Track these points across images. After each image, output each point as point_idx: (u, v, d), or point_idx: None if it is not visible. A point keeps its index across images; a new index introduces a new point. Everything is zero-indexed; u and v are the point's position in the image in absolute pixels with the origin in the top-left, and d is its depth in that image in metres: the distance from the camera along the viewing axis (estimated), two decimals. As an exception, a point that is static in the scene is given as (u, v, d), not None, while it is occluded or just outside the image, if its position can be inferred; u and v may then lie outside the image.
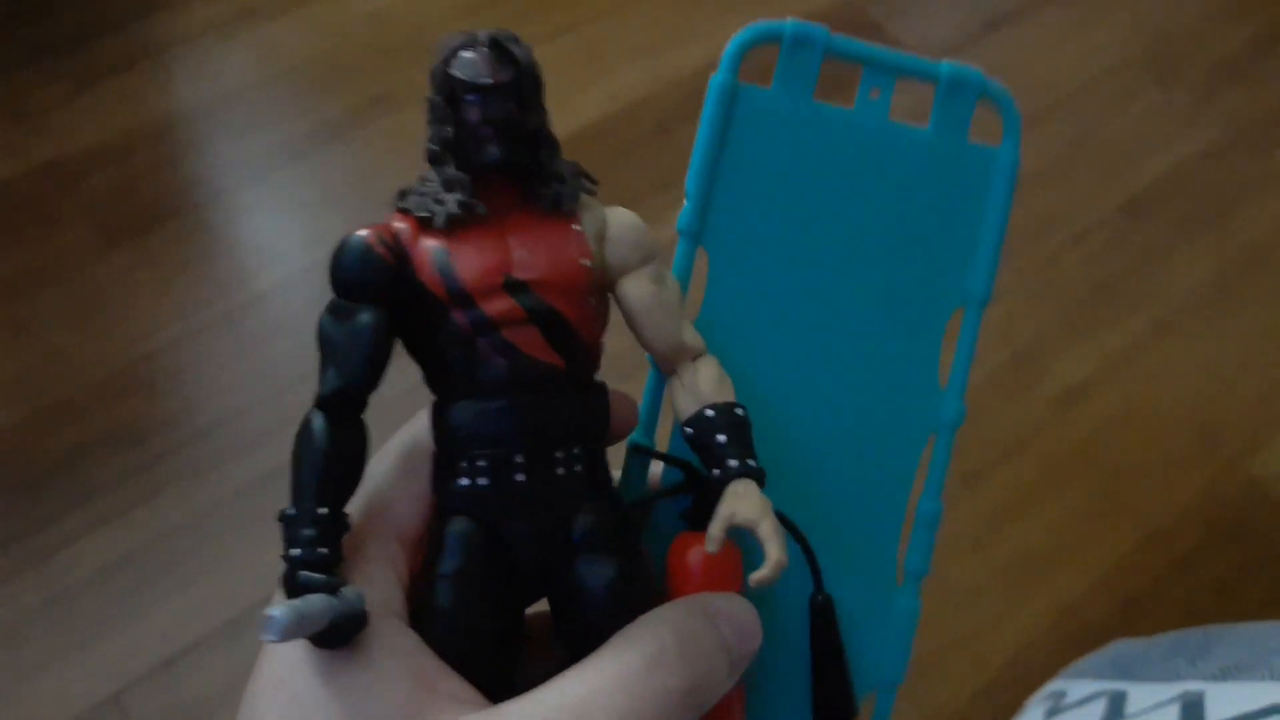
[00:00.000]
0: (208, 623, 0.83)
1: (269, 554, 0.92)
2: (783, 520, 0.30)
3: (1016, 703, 0.68)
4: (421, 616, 0.26)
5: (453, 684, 0.25)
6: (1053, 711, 0.60)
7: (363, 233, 0.26)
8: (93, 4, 1.16)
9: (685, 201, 0.32)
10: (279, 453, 0.89)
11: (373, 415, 0.27)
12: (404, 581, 0.27)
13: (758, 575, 0.26)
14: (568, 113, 1.08)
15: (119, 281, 0.99)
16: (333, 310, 0.26)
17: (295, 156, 1.07)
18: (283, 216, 1.05)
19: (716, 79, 0.32)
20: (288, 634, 0.22)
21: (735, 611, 0.27)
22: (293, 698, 0.25)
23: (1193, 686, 0.48)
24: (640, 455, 0.32)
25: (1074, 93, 1.16)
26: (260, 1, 1.17)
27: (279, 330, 0.97)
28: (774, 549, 0.26)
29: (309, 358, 0.98)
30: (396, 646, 0.25)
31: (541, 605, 0.29)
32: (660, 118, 1.10)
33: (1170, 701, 0.48)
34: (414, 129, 1.08)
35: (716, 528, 0.26)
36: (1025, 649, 0.85)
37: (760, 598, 0.28)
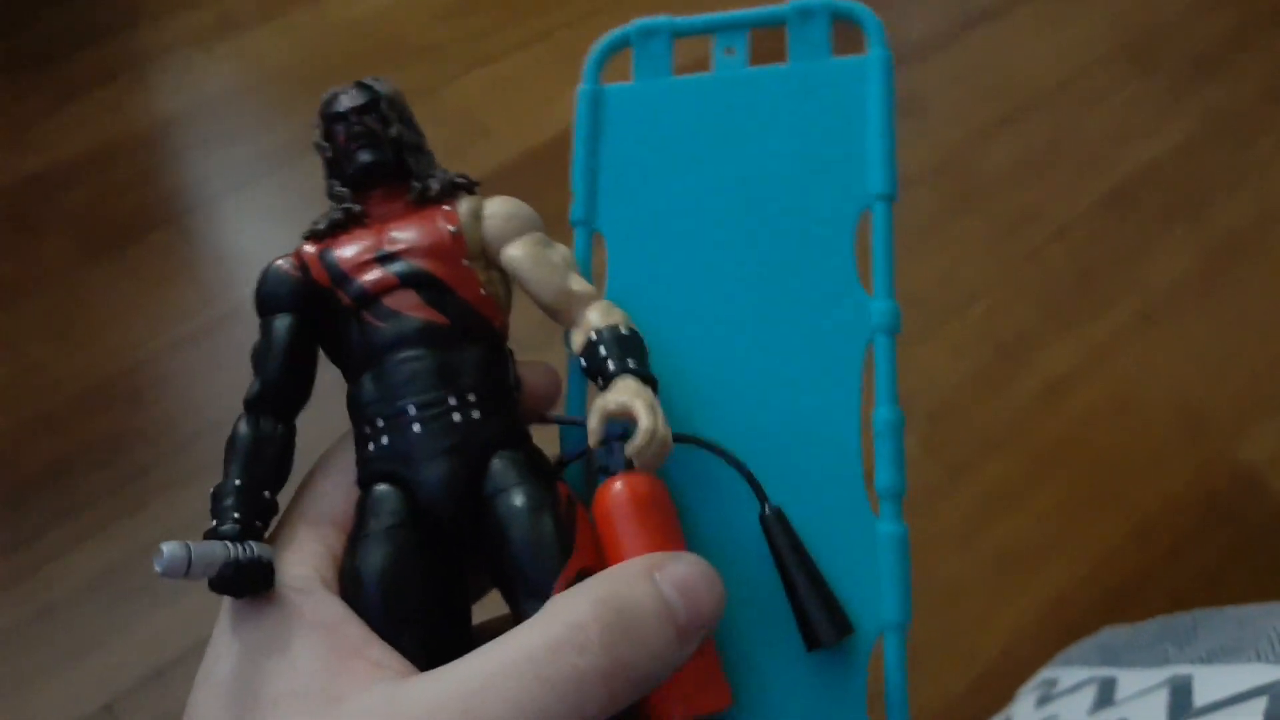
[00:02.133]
0: (197, 632, 0.83)
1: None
2: (705, 445, 0.29)
3: (1009, 694, 0.68)
4: (349, 584, 0.27)
5: (377, 651, 0.25)
6: (1044, 700, 0.60)
7: (276, 260, 0.30)
8: (72, 17, 1.16)
9: (573, 197, 0.33)
10: (265, 461, 0.88)
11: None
12: (335, 555, 0.27)
13: (631, 445, 0.26)
14: (543, 120, 1.08)
15: (101, 293, 0.99)
16: (259, 331, 0.29)
17: (276, 165, 1.07)
18: (264, 225, 1.05)
19: (581, 89, 0.34)
20: (172, 567, 0.22)
21: (682, 572, 0.25)
22: (216, 683, 0.25)
23: (1181, 670, 0.49)
24: (549, 424, 0.31)
25: (1053, 87, 1.17)
26: (239, 12, 1.17)
27: (263, 339, 0.97)
28: (645, 417, 0.27)
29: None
30: (319, 618, 0.25)
31: (501, 607, 0.28)
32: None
33: (1159, 686, 0.48)
34: (395, 135, 1.09)
35: (593, 419, 0.27)
36: (1016, 641, 0.85)
37: (712, 534, 0.27)
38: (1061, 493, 0.93)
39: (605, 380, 0.28)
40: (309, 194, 1.05)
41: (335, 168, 0.31)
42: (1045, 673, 0.65)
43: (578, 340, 0.29)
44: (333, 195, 0.31)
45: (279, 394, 0.28)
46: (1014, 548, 0.90)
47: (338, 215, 0.30)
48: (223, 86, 1.12)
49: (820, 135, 0.33)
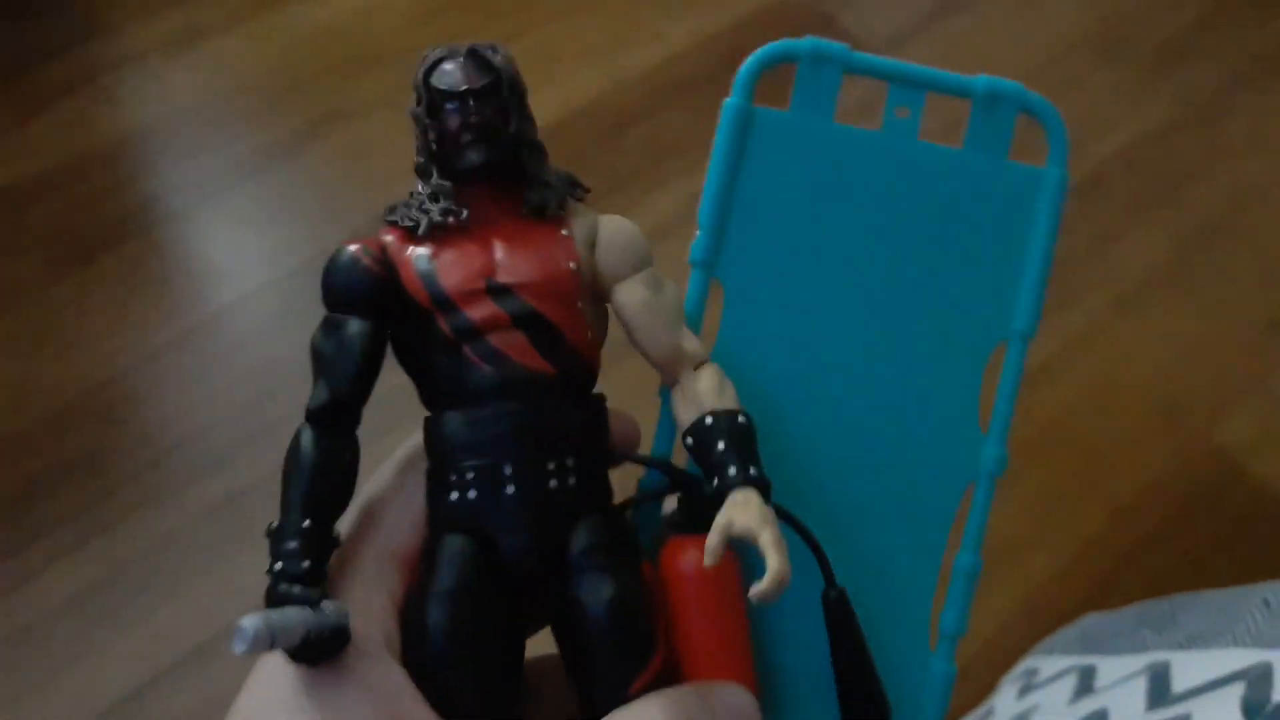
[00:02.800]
0: (175, 651, 0.82)
1: (235, 578, 0.90)
2: (786, 517, 0.28)
3: (992, 684, 0.68)
4: (413, 638, 0.25)
5: None
6: (1026, 689, 0.60)
7: (351, 247, 0.27)
8: (34, 29, 1.14)
9: (698, 232, 0.30)
10: (241, 474, 0.88)
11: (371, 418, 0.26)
12: (397, 602, 0.26)
13: (758, 589, 0.24)
14: (520, 118, 1.06)
15: (71, 308, 0.98)
16: (324, 324, 0.26)
17: (247, 175, 1.06)
18: (236, 235, 1.04)
19: (730, 103, 0.30)
20: (257, 645, 0.21)
21: (734, 698, 0.26)
22: None
23: (1159, 657, 0.48)
24: (622, 460, 0.30)
25: (1023, 77, 1.15)
26: (204, 19, 1.16)
27: (236, 350, 0.96)
28: (775, 560, 0.24)
29: (266, 378, 0.96)
30: (378, 685, 0.24)
31: (549, 645, 0.28)
32: (614, 119, 1.09)
33: (1138, 673, 0.48)
34: (365, 143, 1.08)
35: (714, 539, 0.25)
36: (1000, 632, 0.84)
37: (776, 605, 0.26)
38: (1041, 482, 0.93)
39: (721, 482, 0.26)
40: (280, 203, 1.05)
41: (435, 152, 0.27)
42: (1027, 662, 0.65)
43: (684, 414, 0.28)
44: (432, 191, 0.27)
45: (348, 406, 0.26)
46: (995, 538, 0.89)
47: (438, 218, 0.27)
48: (190, 96, 1.11)
49: (976, 242, 0.31)
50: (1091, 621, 0.63)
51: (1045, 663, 0.61)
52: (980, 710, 0.63)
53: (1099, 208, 1.08)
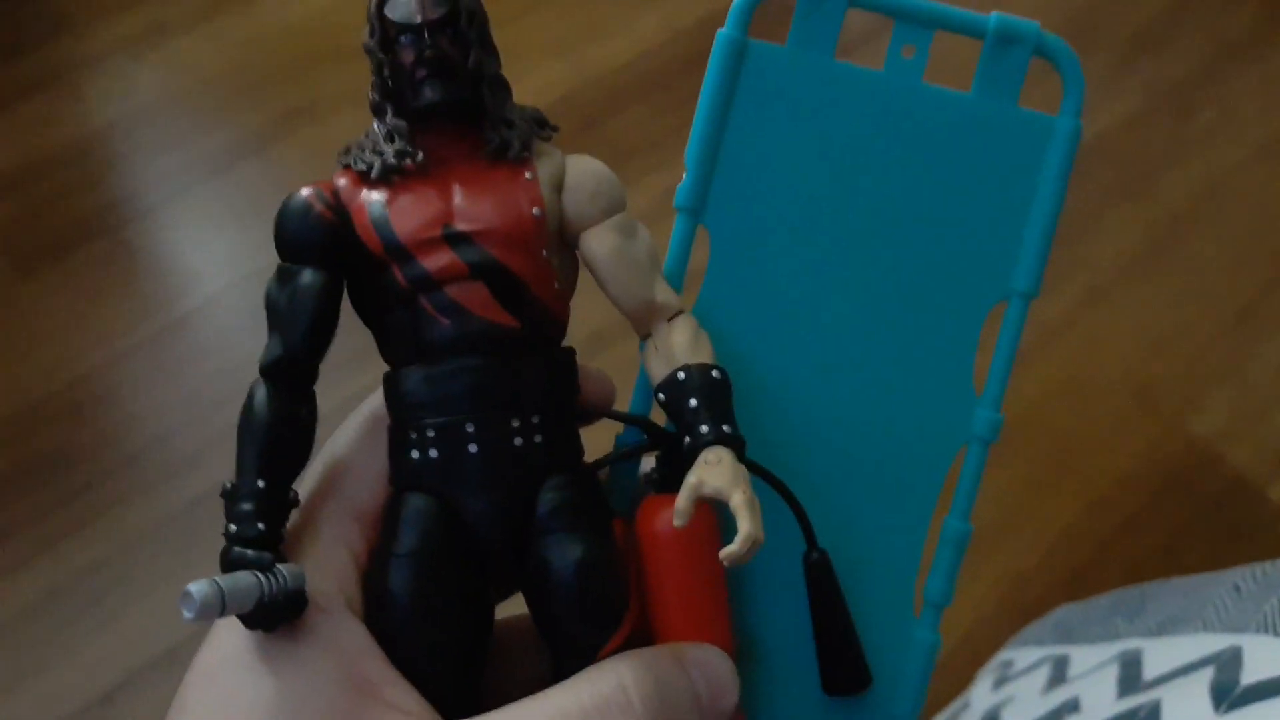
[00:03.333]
0: (146, 653, 0.81)
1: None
2: (766, 476, 0.27)
3: (970, 677, 0.67)
4: (375, 601, 0.25)
5: (397, 692, 0.23)
6: (1001, 681, 0.60)
7: (304, 191, 0.25)
8: (-1, 28, 1.13)
9: (685, 174, 0.29)
10: (209, 475, 0.87)
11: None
12: (360, 563, 0.25)
13: (728, 551, 0.23)
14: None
15: (37, 309, 0.96)
16: (277, 274, 0.25)
17: (214, 172, 1.05)
18: (204, 234, 1.03)
19: (723, 34, 0.29)
20: (205, 611, 0.21)
21: (709, 660, 0.25)
22: (219, 694, 0.23)
23: (1131, 645, 0.48)
24: (598, 417, 0.29)
25: (996, 68, 1.16)
26: (169, 17, 1.15)
27: (205, 350, 0.95)
28: (746, 522, 0.23)
29: (235, 377, 0.95)
30: (339, 644, 0.23)
31: (520, 606, 0.27)
32: (585, 113, 1.09)
33: (1110, 661, 0.48)
34: (332, 140, 1.06)
35: (683, 499, 0.24)
36: (978, 624, 0.84)
37: (754, 565, 0.25)
38: (1016, 473, 0.93)
39: (693, 440, 0.25)
40: (247, 201, 1.04)
41: (390, 88, 0.26)
42: (1003, 654, 0.65)
43: (657, 368, 0.26)
44: (387, 131, 0.25)
45: (302, 361, 0.25)
46: (973, 530, 0.89)
47: (391, 160, 0.25)
48: (155, 94, 1.10)
49: (980, 193, 0.29)
50: (1065, 612, 0.63)
51: (1020, 654, 0.61)
52: (957, 703, 0.63)
53: (1070, 198, 1.08)
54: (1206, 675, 0.40)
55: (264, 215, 1.02)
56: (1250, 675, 0.38)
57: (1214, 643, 0.42)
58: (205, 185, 1.04)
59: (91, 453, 0.90)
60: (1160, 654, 0.45)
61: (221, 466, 0.92)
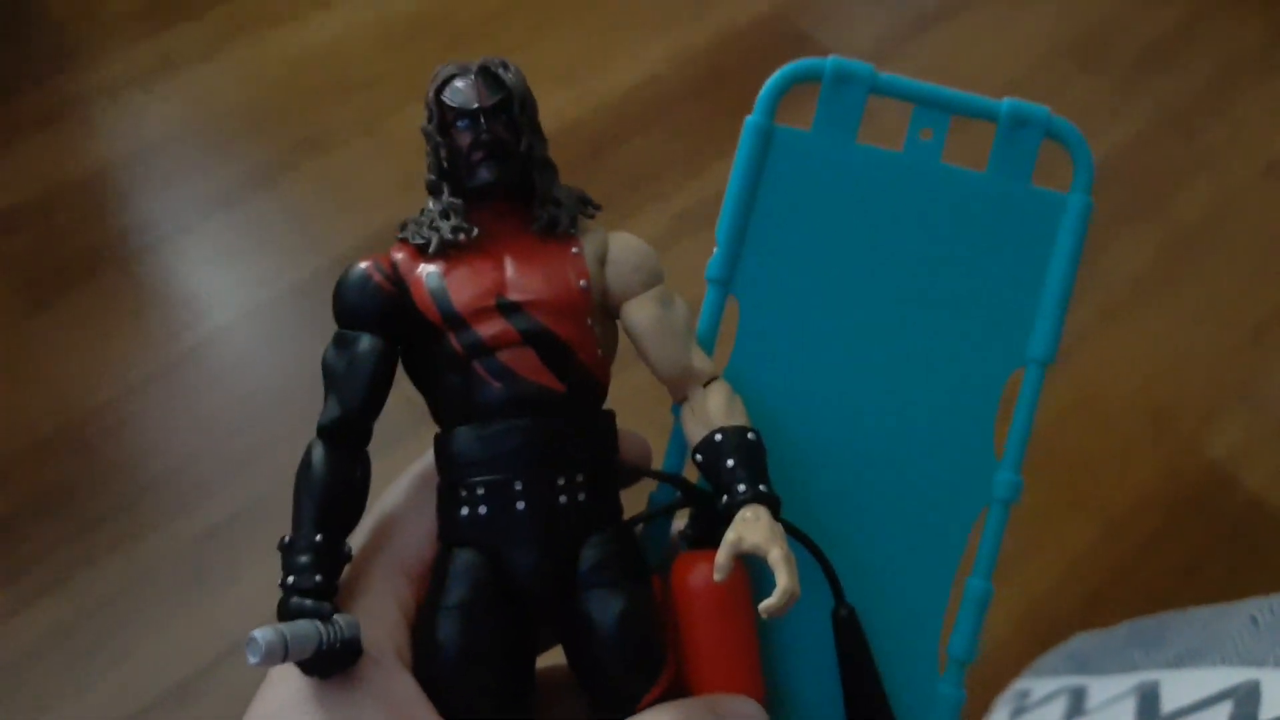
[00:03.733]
0: (157, 688, 0.81)
1: (217, 613, 0.89)
2: (796, 534, 0.29)
3: (987, 704, 0.67)
4: (423, 652, 0.26)
5: None
6: (1018, 712, 0.59)
7: (363, 264, 0.27)
8: (9, 60, 1.14)
9: (715, 248, 0.30)
10: (221, 507, 0.87)
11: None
12: (409, 616, 0.27)
13: (767, 604, 0.24)
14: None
15: (48, 342, 0.97)
16: (335, 340, 0.27)
17: (223, 204, 1.05)
18: (214, 265, 1.03)
19: (751, 120, 0.30)
20: (270, 657, 0.22)
21: (743, 711, 0.26)
22: None
23: (1149, 676, 0.48)
24: (638, 477, 0.30)
25: (1004, 87, 1.15)
26: (178, 50, 1.16)
27: (216, 381, 0.95)
28: (784, 577, 0.24)
29: (248, 407, 0.95)
30: (390, 694, 0.24)
31: (561, 656, 0.28)
32: (590, 142, 1.09)
33: (1127, 694, 0.48)
34: (342, 170, 1.08)
35: (723, 555, 0.25)
36: (995, 650, 0.83)
37: (784, 620, 0.26)
38: (1033, 496, 0.91)
39: (730, 498, 0.26)
40: (258, 233, 1.04)
41: (447, 170, 0.28)
42: (1019, 684, 0.64)
43: (694, 431, 0.28)
44: (443, 209, 0.27)
45: (358, 422, 0.26)
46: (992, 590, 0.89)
47: (449, 236, 0.27)
48: (165, 127, 1.11)
49: (996, 266, 0.31)
50: (1081, 641, 0.62)
51: (1037, 684, 0.61)
52: (972, 732, 0.62)
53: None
54: (1225, 710, 0.40)
55: (274, 246, 1.03)
56: (1268, 710, 0.38)
57: (1232, 676, 0.42)
58: (215, 217, 1.05)
59: (102, 486, 0.90)
60: (1178, 687, 0.45)
61: (234, 497, 0.92)
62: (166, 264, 1.03)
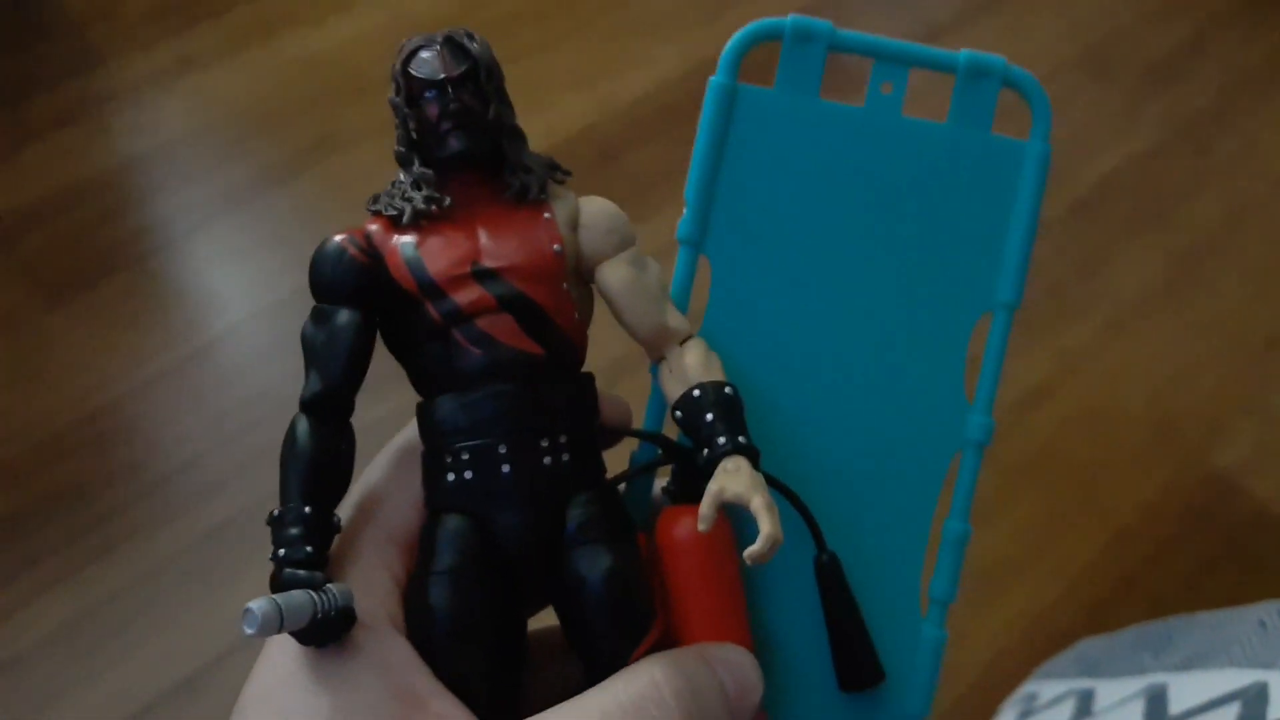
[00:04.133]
0: (167, 681, 0.81)
1: (227, 607, 0.90)
2: (776, 485, 0.29)
3: (993, 709, 0.67)
4: (415, 618, 0.26)
5: (443, 704, 0.25)
6: (1025, 714, 0.59)
7: (337, 237, 0.27)
8: (28, 60, 1.15)
9: (685, 209, 0.31)
10: (231, 503, 0.87)
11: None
12: (400, 583, 0.27)
13: (752, 550, 0.25)
14: (512, 145, 1.06)
15: (63, 339, 0.97)
16: (313, 315, 0.27)
17: (238, 203, 1.06)
18: (228, 264, 1.04)
19: (715, 80, 0.31)
20: (265, 627, 0.22)
21: (734, 659, 0.27)
22: (276, 712, 0.24)
23: (1157, 679, 0.48)
24: (619, 437, 0.31)
25: (1014, 100, 1.16)
26: (195, 51, 1.17)
27: (228, 379, 0.96)
28: (767, 522, 0.25)
29: (258, 406, 0.95)
30: (386, 659, 0.25)
31: (554, 618, 0.28)
32: (603, 146, 1.10)
33: (1135, 696, 0.48)
34: (356, 172, 1.08)
35: (706, 505, 0.26)
36: (999, 656, 0.84)
37: (768, 570, 0.27)
38: (1038, 505, 0.92)
39: (711, 451, 0.27)
40: (271, 232, 1.05)
41: (415, 141, 0.28)
42: (1026, 687, 0.65)
43: (673, 389, 0.28)
44: (414, 179, 0.27)
45: (340, 395, 0.26)
46: (992, 562, 0.89)
47: (421, 206, 0.27)
48: (182, 127, 1.12)
49: (960, 214, 0.31)
50: (1088, 645, 0.62)
51: (1044, 687, 0.61)
52: (978, 735, 0.62)
53: (1090, 229, 1.08)
54: (1233, 711, 0.40)
55: (287, 245, 1.04)
56: (1276, 711, 0.38)
57: (1240, 678, 0.42)
58: (229, 216, 1.06)
59: (113, 482, 0.91)
60: (1186, 689, 0.45)
61: (244, 494, 0.92)
62: (180, 262, 1.04)
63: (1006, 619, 0.86)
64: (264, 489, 0.86)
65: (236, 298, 1.01)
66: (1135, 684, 0.50)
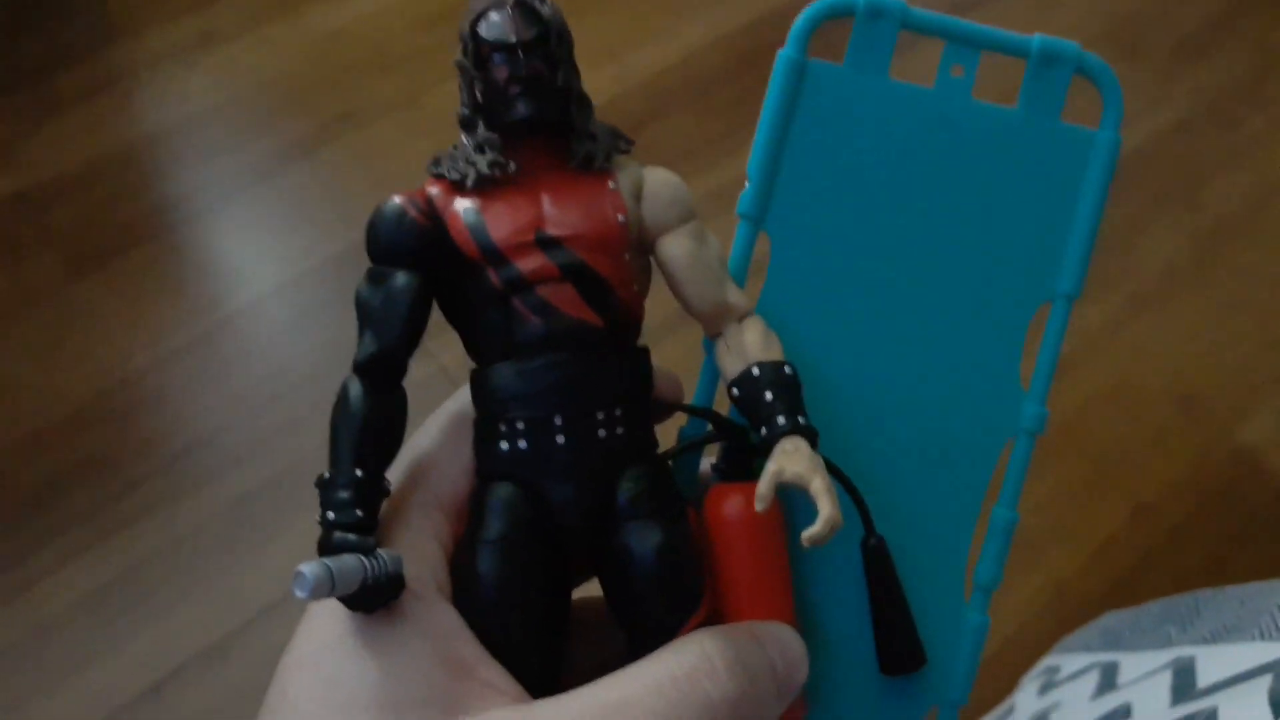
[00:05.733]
0: (193, 646, 0.82)
1: (251, 575, 0.90)
2: (828, 466, 0.28)
3: (1013, 682, 0.67)
4: (463, 585, 0.26)
5: (491, 671, 0.25)
6: (1047, 687, 0.59)
7: (397, 198, 0.26)
8: (53, 35, 1.15)
9: (747, 184, 0.31)
10: (255, 474, 0.88)
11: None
12: (448, 551, 0.27)
13: (810, 532, 0.25)
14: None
15: (88, 311, 0.98)
16: (369, 276, 0.26)
17: (262, 177, 1.06)
18: (251, 238, 1.04)
19: (784, 54, 0.30)
20: (317, 591, 0.22)
21: (783, 638, 0.27)
22: (322, 678, 0.24)
23: (1184, 652, 0.48)
24: (671, 411, 0.30)
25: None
26: (219, 25, 1.17)
27: (251, 352, 0.96)
28: (827, 505, 0.25)
29: (283, 378, 0.96)
30: (433, 627, 0.24)
31: (595, 589, 0.28)
32: (627, 120, 1.09)
33: (1163, 668, 0.48)
34: (380, 144, 1.09)
35: (765, 485, 0.25)
36: (1020, 629, 0.84)
37: (815, 550, 0.27)
38: (1061, 480, 0.92)
39: (769, 430, 0.26)
40: (294, 206, 1.05)
41: (482, 104, 0.27)
42: (1048, 660, 0.65)
43: (731, 366, 0.28)
44: (478, 143, 0.27)
45: (395, 359, 0.26)
46: (1017, 536, 0.89)
47: (485, 170, 0.26)
48: (205, 100, 1.12)
49: (1026, 201, 0.31)
50: (1114, 618, 0.62)
51: (1066, 660, 0.61)
52: (1002, 708, 0.62)
53: (1117, 205, 1.07)
54: (1264, 684, 0.40)
55: (311, 219, 1.04)
56: (1308, 683, 0.38)
57: (1270, 651, 0.42)
58: (254, 189, 1.06)
59: (138, 453, 0.91)
60: (1215, 662, 0.45)
61: (266, 466, 0.93)
62: (204, 236, 1.04)
63: (1029, 593, 0.86)
64: (287, 460, 0.87)
65: (260, 271, 1.01)
66: (1162, 656, 0.49)
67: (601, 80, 1.11)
